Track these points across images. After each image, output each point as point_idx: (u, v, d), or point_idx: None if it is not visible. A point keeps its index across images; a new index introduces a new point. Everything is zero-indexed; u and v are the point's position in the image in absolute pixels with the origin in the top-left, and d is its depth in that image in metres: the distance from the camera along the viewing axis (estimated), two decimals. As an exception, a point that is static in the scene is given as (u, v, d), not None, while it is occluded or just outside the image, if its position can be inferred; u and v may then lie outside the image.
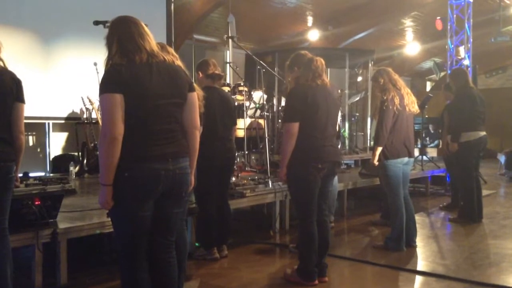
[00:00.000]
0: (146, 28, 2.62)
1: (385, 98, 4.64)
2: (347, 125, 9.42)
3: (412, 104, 4.78)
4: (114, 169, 2.43)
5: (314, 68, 3.79)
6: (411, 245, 4.88)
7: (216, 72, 4.49)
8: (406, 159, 4.78)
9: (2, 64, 3.13)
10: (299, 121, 3.70)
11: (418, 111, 5.01)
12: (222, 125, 4.44)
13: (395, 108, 4.61)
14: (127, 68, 2.47)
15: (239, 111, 6.73)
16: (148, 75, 2.50)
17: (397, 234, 4.76)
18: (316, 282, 3.81)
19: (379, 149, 4.68)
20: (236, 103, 5.78)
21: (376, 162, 4.72)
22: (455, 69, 7.92)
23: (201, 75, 4.48)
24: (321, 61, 3.83)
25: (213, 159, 4.30)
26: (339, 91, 7.70)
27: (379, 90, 4.76)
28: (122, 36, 2.55)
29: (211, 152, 4.23)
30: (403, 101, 4.70)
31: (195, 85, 2.85)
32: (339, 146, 5.93)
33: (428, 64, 16.58)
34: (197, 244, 4.54)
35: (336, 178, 5.64)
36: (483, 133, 6.02)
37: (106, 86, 2.43)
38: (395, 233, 4.79)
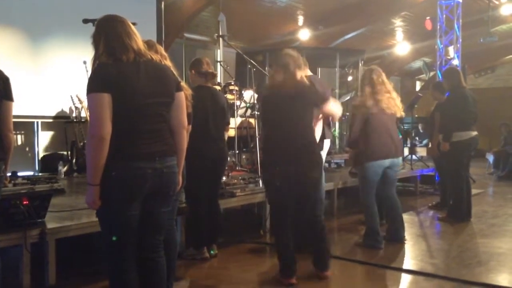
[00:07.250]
0: (133, 27, 2.61)
1: (358, 101, 4.76)
2: (337, 124, 9.44)
3: (394, 108, 4.79)
4: (101, 169, 2.41)
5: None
6: (401, 243, 4.92)
7: (209, 70, 4.46)
8: (387, 161, 4.78)
9: (-10, 62, 3.11)
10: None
11: (401, 114, 5.01)
12: (214, 125, 4.41)
13: (369, 111, 4.66)
14: (114, 67, 2.45)
15: (231, 110, 6.71)
16: (135, 74, 2.49)
17: (371, 231, 4.83)
18: (293, 280, 3.79)
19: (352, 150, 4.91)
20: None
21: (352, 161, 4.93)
22: (449, 68, 7.90)
23: (194, 73, 4.45)
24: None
25: (204, 158, 4.28)
26: (331, 90, 7.71)
27: (360, 91, 4.85)
28: (108, 35, 2.53)
29: (203, 152, 4.21)
30: (380, 104, 4.70)
31: (183, 84, 2.84)
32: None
33: (418, 64, 16.66)
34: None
35: (323, 178, 5.66)
36: (475, 133, 6.03)
37: (94, 86, 2.41)
38: (369, 230, 4.87)
